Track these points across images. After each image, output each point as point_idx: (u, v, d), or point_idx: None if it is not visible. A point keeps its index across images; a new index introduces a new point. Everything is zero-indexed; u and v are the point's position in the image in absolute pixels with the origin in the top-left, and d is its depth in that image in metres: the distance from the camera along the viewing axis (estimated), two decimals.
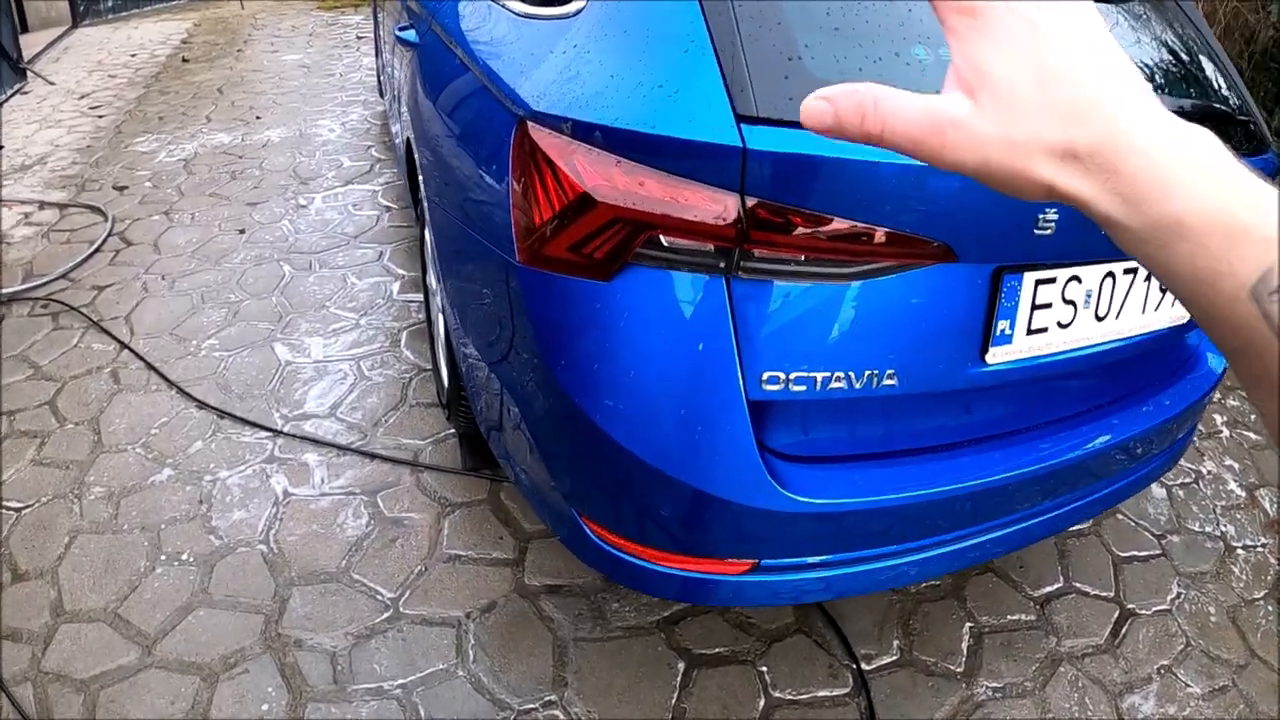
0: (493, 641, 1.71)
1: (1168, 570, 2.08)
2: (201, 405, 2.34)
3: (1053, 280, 1.20)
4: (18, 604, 1.77)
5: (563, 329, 1.14)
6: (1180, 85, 1.32)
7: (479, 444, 1.98)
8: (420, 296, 2.78)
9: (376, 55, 4.41)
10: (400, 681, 1.62)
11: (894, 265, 1.04)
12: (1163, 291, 1.36)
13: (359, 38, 6.69)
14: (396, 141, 2.83)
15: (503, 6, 1.42)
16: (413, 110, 1.87)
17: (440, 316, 2.01)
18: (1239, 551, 2.19)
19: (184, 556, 1.87)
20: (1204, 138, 0.31)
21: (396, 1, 2.47)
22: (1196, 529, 2.22)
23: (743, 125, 0.95)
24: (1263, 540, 2.25)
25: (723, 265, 1.02)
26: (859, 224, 0.99)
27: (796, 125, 0.95)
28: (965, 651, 1.79)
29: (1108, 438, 1.40)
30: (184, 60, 6.09)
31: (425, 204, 1.73)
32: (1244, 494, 2.36)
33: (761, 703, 1.64)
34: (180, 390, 2.40)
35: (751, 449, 1.11)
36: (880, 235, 1.00)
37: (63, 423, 2.30)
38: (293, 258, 3.17)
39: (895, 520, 1.26)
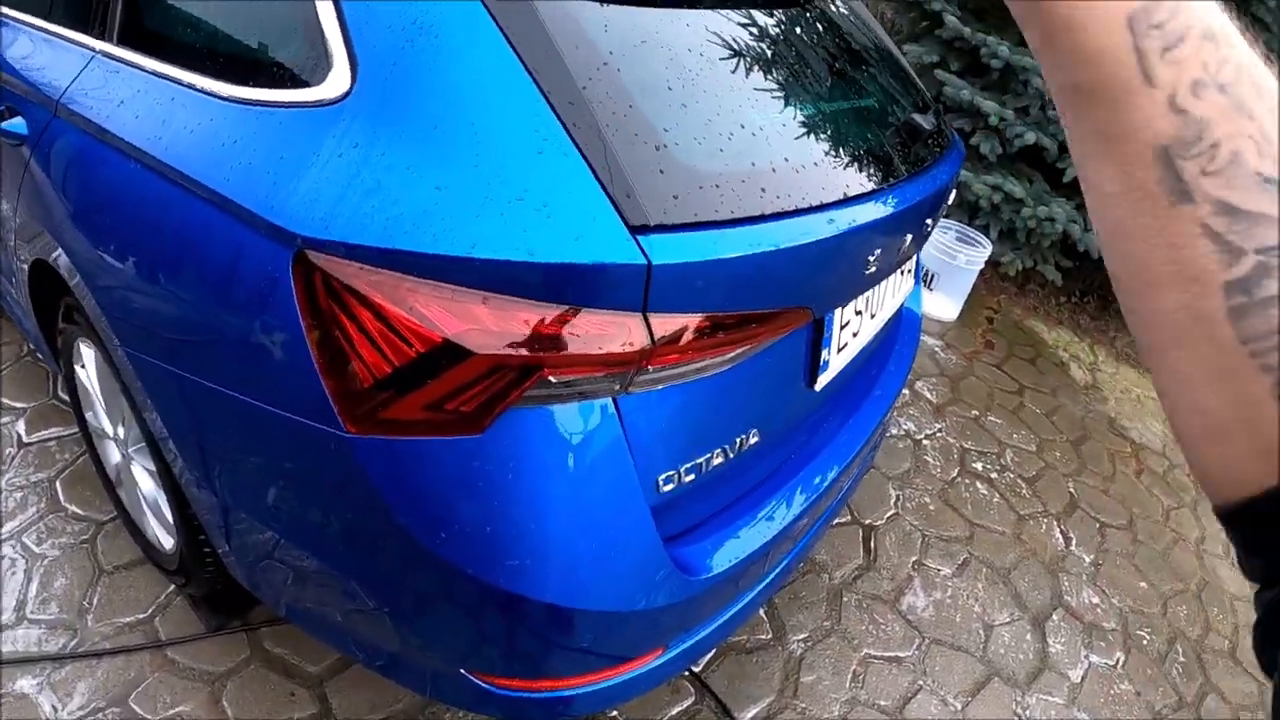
0: None
1: (880, 479, 2.48)
2: None
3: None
4: None
5: (430, 500, 0.93)
6: (871, 90, 1.43)
7: (216, 596, 1.62)
8: (60, 430, 2.14)
9: None
10: None
11: (767, 339, 1.03)
12: (902, 274, 1.54)
13: None
14: None
15: (189, 88, 1.05)
16: (56, 230, 1.29)
17: (144, 477, 1.58)
18: (924, 442, 2.69)
19: None
20: None
21: None
22: (888, 435, 2.65)
23: (638, 237, 0.82)
24: (936, 425, 2.79)
25: (617, 388, 0.92)
26: (749, 312, 0.95)
27: (689, 227, 0.86)
28: (765, 618, 1.95)
29: (883, 401, 1.60)
30: None
31: (120, 352, 1.27)
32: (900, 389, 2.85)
33: None
34: None
35: (664, 558, 1.05)
36: (759, 317, 0.98)
37: None
38: None
39: (764, 553, 1.30)
